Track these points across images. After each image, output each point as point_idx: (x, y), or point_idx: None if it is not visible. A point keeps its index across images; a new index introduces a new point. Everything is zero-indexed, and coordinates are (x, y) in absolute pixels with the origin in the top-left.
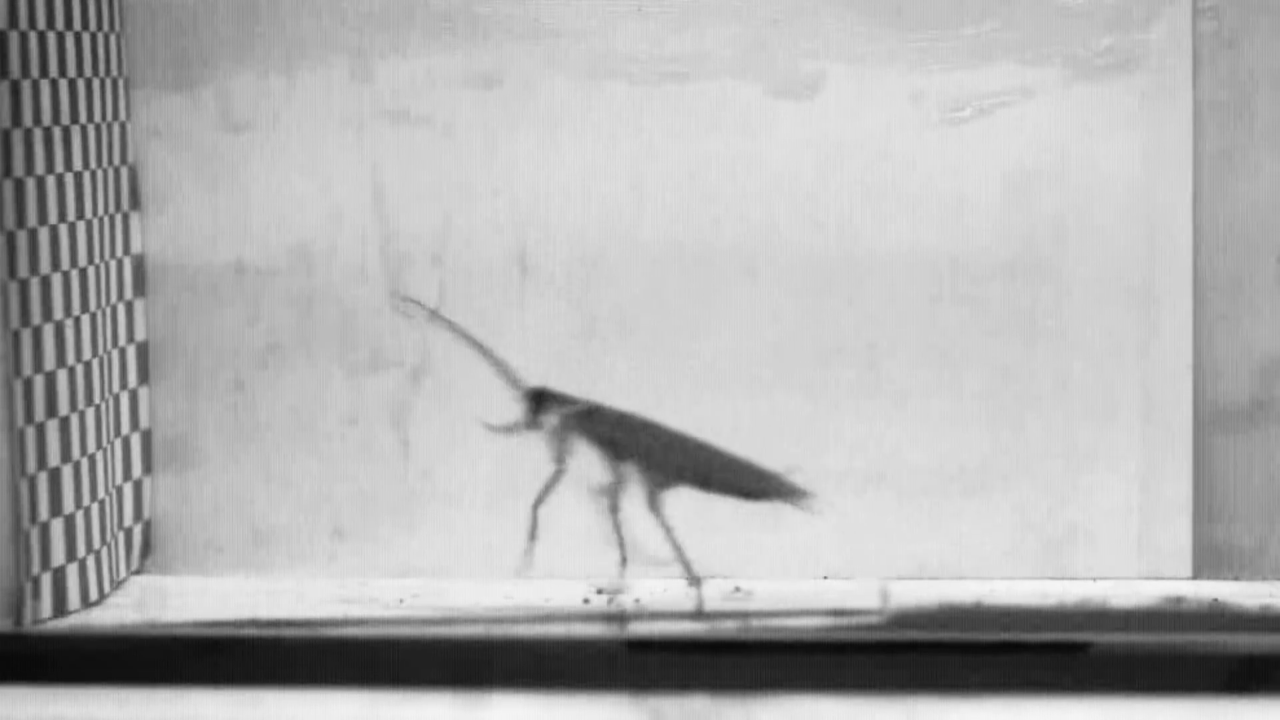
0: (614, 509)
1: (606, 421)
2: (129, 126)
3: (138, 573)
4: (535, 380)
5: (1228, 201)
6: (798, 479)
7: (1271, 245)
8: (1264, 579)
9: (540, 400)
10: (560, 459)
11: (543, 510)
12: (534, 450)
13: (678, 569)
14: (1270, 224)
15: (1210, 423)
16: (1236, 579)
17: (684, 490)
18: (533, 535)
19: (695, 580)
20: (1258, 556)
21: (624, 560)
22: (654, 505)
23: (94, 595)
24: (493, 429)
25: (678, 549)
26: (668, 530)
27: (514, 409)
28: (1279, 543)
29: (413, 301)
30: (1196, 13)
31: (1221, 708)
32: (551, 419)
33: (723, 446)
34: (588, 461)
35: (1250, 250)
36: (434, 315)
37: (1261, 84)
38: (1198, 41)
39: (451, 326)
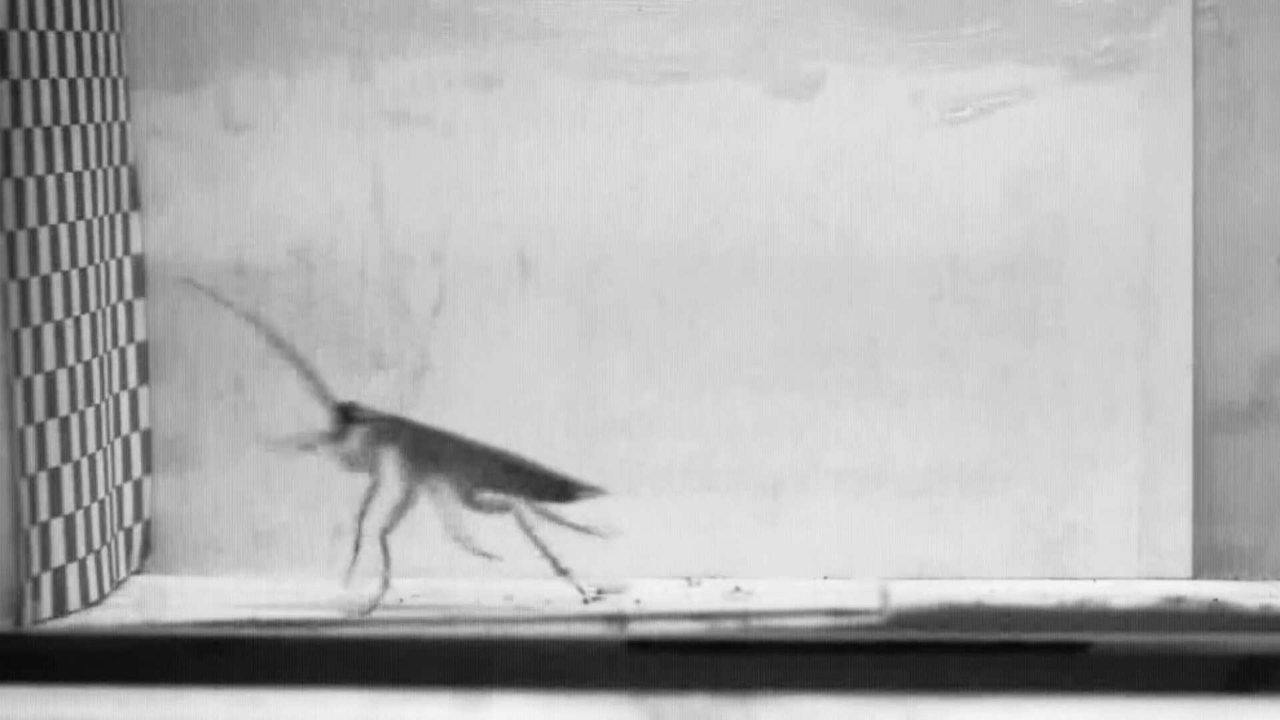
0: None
1: (413, 434)
2: (129, 126)
3: (138, 573)
4: (535, 380)
5: (1228, 201)
6: (600, 485)
7: (1271, 245)
8: (1264, 579)
9: (348, 414)
10: (372, 470)
11: (368, 523)
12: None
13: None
14: (1270, 224)
15: (1210, 423)
16: (1236, 579)
17: (491, 496)
18: (357, 548)
19: (563, 572)
20: (1258, 556)
21: (386, 582)
22: (468, 507)
23: (94, 595)
24: (301, 446)
25: (480, 552)
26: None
27: (322, 421)
28: (1279, 543)
29: (201, 287)
30: (1196, 13)
31: (1221, 708)
32: (359, 431)
33: (524, 456)
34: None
35: (1250, 250)
36: (226, 303)
37: (1261, 84)
38: (1198, 41)
39: (260, 328)
